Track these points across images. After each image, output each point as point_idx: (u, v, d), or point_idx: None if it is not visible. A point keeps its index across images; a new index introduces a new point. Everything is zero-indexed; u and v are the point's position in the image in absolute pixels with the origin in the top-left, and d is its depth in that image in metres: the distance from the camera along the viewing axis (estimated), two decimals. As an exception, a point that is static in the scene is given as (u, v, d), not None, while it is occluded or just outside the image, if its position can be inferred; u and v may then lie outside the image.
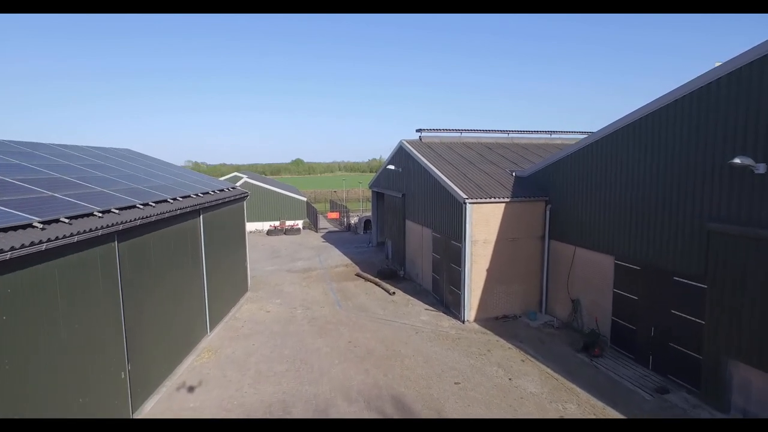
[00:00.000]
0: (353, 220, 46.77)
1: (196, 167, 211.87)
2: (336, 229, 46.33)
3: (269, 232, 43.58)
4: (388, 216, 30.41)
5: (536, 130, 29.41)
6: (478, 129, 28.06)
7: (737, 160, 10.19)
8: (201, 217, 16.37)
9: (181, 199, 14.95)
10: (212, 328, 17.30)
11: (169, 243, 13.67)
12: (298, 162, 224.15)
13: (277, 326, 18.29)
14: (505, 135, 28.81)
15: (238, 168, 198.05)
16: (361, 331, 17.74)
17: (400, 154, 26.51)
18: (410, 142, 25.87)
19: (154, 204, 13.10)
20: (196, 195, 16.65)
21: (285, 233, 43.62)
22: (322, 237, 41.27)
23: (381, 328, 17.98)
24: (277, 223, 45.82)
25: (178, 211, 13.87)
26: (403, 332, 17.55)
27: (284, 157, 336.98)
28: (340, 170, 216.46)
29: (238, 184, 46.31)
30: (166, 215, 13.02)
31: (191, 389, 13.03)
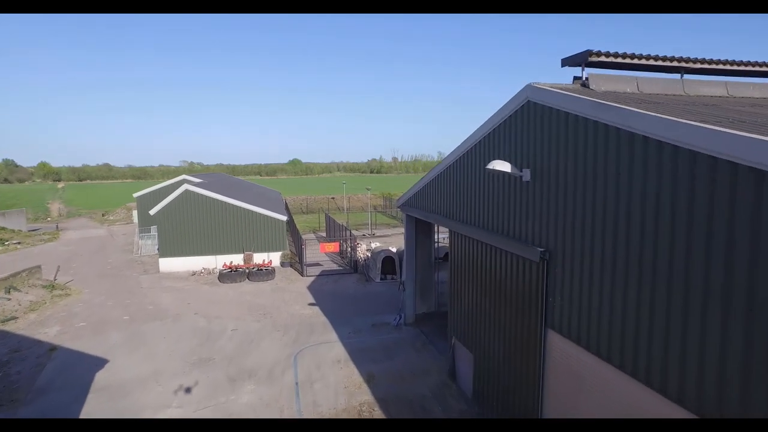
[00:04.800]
0: (361, 251, 29.05)
1: (191, 168, 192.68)
2: (334, 266, 28.60)
3: (222, 277, 25.72)
4: (466, 288, 12.75)
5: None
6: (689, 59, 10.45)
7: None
8: None
9: None
10: None
11: None
12: (295, 162, 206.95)
13: None
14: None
15: (233, 169, 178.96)
16: None
17: (528, 126, 8.92)
18: (564, 90, 8.24)
19: None
20: None
21: (248, 278, 25.82)
22: (310, 290, 23.58)
23: None
24: (239, 259, 28.15)
25: None
26: None
27: (282, 157, 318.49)
28: (338, 170, 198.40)
29: (176, 193, 28.51)
30: None
31: None
